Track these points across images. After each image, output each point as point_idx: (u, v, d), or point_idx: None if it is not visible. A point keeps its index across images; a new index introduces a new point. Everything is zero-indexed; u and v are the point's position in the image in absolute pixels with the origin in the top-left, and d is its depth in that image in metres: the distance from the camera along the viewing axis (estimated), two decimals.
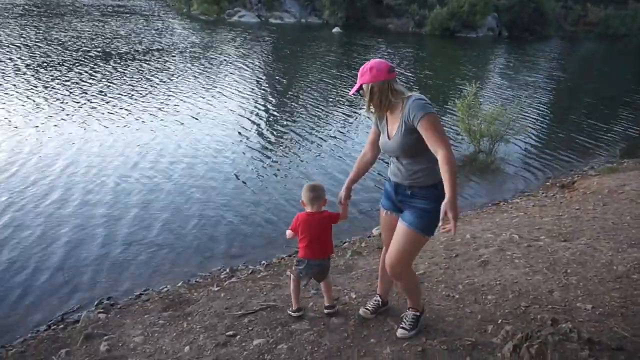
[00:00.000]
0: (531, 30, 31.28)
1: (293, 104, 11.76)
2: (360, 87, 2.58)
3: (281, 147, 8.65)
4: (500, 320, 3.07)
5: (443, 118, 11.08)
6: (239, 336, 3.20)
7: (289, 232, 3.11)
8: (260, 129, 9.62)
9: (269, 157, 8.12)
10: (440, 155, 2.37)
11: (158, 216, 5.86)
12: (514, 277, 3.71)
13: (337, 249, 5.03)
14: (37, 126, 8.72)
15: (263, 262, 4.98)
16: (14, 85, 11.33)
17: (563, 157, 9.13)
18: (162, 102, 10.84)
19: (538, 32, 31.42)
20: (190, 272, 4.79)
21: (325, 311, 3.29)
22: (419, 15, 29.51)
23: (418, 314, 3.00)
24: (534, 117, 11.92)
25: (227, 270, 4.77)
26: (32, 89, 11.13)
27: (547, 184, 7.70)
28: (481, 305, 3.31)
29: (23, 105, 9.85)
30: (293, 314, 3.32)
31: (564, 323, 2.87)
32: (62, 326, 3.90)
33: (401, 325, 2.98)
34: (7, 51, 15.00)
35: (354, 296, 3.63)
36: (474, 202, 6.95)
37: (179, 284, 4.54)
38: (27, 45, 16.16)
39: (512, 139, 9.35)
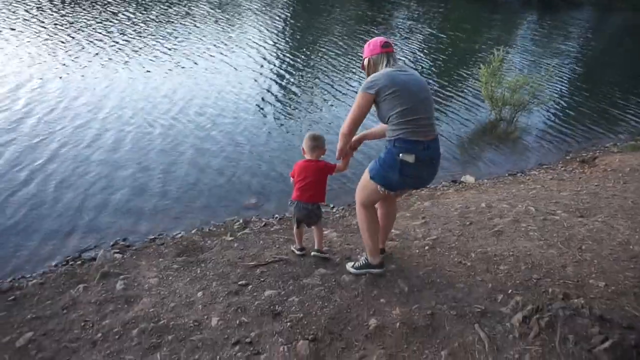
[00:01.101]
0: None
1: (316, 59, 11.47)
2: (363, 66, 2.97)
3: (303, 104, 8.51)
4: (510, 291, 3.06)
5: (465, 83, 10.78)
6: (251, 286, 3.25)
7: (292, 182, 3.34)
8: (283, 83, 9.46)
9: (289, 114, 8.01)
10: None
11: (175, 164, 5.89)
12: (527, 249, 3.68)
13: (351, 208, 5.05)
14: (78, 69, 8.66)
15: (276, 215, 5.01)
16: (51, 25, 11.16)
17: (585, 132, 8.88)
18: (190, 50, 10.67)
19: None
20: (205, 221, 4.85)
21: (312, 253, 3.52)
22: None
23: (366, 261, 3.22)
24: (559, 88, 11.54)
25: (241, 221, 4.81)
26: (67, 30, 10.95)
27: (567, 157, 7.54)
28: (492, 275, 3.31)
29: (63, 46, 9.73)
30: (296, 251, 3.58)
31: (575, 298, 2.86)
32: (79, 262, 4.02)
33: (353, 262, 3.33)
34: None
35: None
36: (491, 171, 6.85)
37: (193, 231, 4.60)
38: None
39: (535, 109, 9.12)
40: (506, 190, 5.58)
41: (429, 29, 16.60)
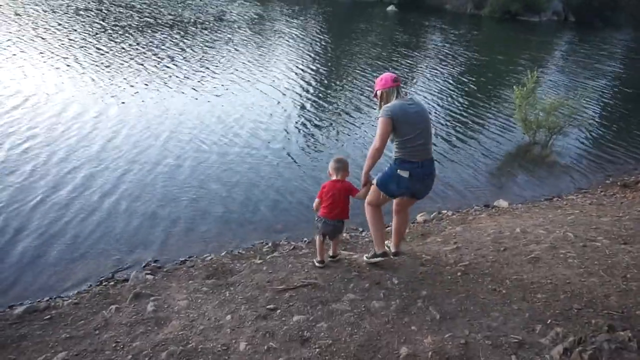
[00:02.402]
0: (601, 16, 29.15)
1: (345, 81, 11.61)
2: (376, 94, 3.60)
3: (331, 127, 8.59)
4: (550, 321, 2.93)
5: (498, 105, 10.65)
6: (279, 310, 3.24)
7: (316, 201, 3.71)
8: (311, 106, 9.59)
9: (317, 137, 8.09)
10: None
11: (205, 186, 6.00)
12: (566, 277, 3.53)
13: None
14: (135, 94, 9.07)
15: (305, 239, 5.00)
16: (85, 48, 11.79)
17: (626, 155, 8.56)
18: (217, 72, 11.01)
19: (609, 19, 29.23)
20: (234, 243, 4.90)
21: (328, 259, 3.90)
22: None
23: (375, 252, 3.80)
24: (597, 110, 11.23)
25: (270, 244, 4.84)
26: (123, 57, 11.52)
27: (607, 182, 7.27)
28: (529, 303, 3.18)
29: (97, 67, 10.27)
30: (317, 264, 3.87)
31: (621, 331, 2.70)
32: (112, 283, 4.11)
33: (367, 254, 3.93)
34: (72, 15, 15.57)
35: (395, 282, 3.58)
36: (525, 195, 6.67)
37: (223, 254, 4.65)
38: (94, 10, 16.71)
39: (572, 131, 8.88)
40: (542, 216, 5.41)
41: (462, 51, 16.58)
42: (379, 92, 3.55)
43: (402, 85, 3.57)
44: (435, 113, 9.80)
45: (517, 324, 2.94)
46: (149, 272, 4.22)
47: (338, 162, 3.69)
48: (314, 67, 12.74)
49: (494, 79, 13.42)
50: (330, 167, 3.70)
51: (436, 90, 11.56)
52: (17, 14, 14.91)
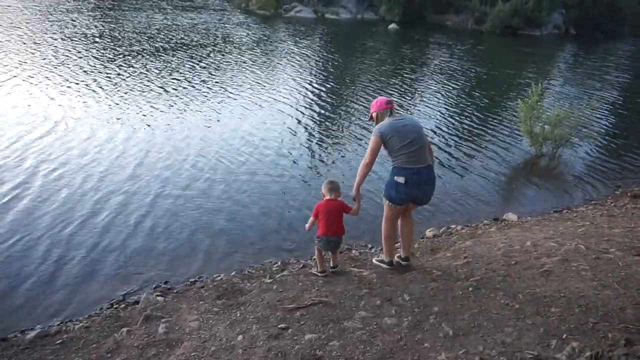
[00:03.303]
0: (602, 28, 29.30)
1: (348, 100, 11.72)
2: (371, 117, 4.01)
3: (341, 145, 8.61)
4: (565, 335, 2.89)
5: (503, 118, 10.67)
6: (291, 329, 3.22)
7: (310, 220, 4.01)
8: (319, 126, 9.66)
9: (327, 155, 8.12)
10: None
11: (213, 207, 6.03)
12: (580, 290, 3.49)
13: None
14: (159, 117, 9.28)
15: (314, 257, 4.96)
16: (94, 72, 12.02)
17: (635, 166, 8.51)
18: (222, 94, 11.18)
19: (610, 31, 29.33)
20: (243, 263, 4.90)
21: (331, 271, 4.17)
22: (479, 11, 28.50)
23: (383, 259, 4.24)
24: (604, 121, 11.21)
25: (279, 263, 4.83)
26: (143, 80, 11.76)
27: (617, 193, 7.22)
28: (543, 318, 3.14)
29: (106, 92, 10.49)
30: (318, 274, 4.14)
31: None
32: (123, 305, 4.11)
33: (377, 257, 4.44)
34: (89, 43, 15.93)
35: (407, 298, 3.55)
36: (534, 208, 6.63)
37: (232, 274, 4.64)
38: (108, 36, 17.09)
39: (578, 143, 8.87)
40: (552, 228, 5.37)
41: (465, 66, 16.69)
42: (374, 114, 3.96)
43: (395, 107, 4.00)
44: (441, 128, 9.83)
45: (532, 339, 2.90)
46: (159, 293, 4.22)
47: (331, 184, 4.05)
48: (327, 86, 12.86)
49: (498, 93, 13.47)
50: (324, 188, 4.04)
51: (441, 105, 11.62)
52: (35, 43, 15.29)
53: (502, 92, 13.66)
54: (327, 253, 4.18)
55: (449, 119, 10.61)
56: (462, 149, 8.75)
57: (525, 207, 6.65)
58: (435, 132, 9.50)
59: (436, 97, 12.36)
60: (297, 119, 9.83)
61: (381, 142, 3.77)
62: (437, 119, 10.43)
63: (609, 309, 3.17)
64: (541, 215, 6.25)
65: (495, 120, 10.63)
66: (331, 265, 4.20)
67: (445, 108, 11.45)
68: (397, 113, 3.99)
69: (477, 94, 13.13)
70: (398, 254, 4.32)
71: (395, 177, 3.77)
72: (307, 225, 4.09)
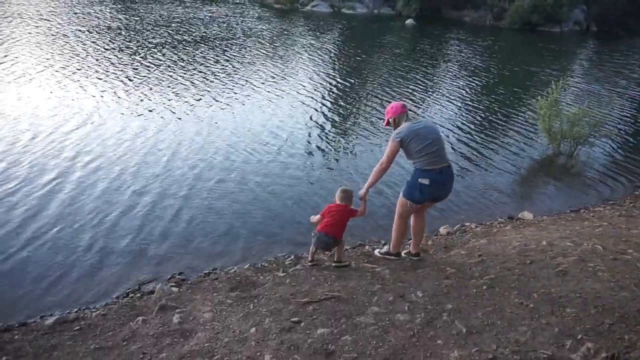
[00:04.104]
0: (624, 24, 28.57)
1: (371, 94, 11.64)
2: (388, 122, 4.12)
3: (352, 140, 8.60)
4: (580, 336, 2.86)
5: (521, 116, 10.52)
6: (303, 323, 3.24)
7: (318, 217, 4.23)
8: (330, 120, 9.66)
9: (338, 150, 8.11)
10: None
11: (227, 200, 6.06)
12: (596, 290, 3.44)
13: (403, 245, 4.94)
14: (179, 110, 9.38)
15: (327, 252, 4.96)
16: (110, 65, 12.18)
17: None
18: (248, 87, 11.31)
19: (632, 27, 28.58)
20: (257, 256, 4.92)
21: (334, 265, 4.25)
22: (497, 7, 28.04)
23: (389, 250, 4.40)
24: (623, 120, 10.97)
25: (292, 257, 4.84)
26: (123, 69, 11.92)
27: (636, 193, 7.08)
28: (558, 318, 3.11)
29: (123, 83, 10.63)
30: (309, 263, 4.34)
31: None
32: (138, 295, 4.17)
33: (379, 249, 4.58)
34: (114, 35, 16.15)
35: (420, 295, 3.54)
36: (550, 207, 6.54)
37: (246, 266, 4.67)
38: (132, 29, 17.29)
39: (598, 142, 8.70)
40: (569, 228, 5.29)
41: (484, 62, 16.48)
42: (391, 120, 4.08)
43: (409, 110, 4.24)
44: (458, 124, 9.74)
45: (546, 338, 2.87)
46: (174, 284, 4.27)
47: (344, 192, 4.21)
48: (351, 81, 12.89)
49: (517, 90, 13.26)
50: (338, 196, 4.22)
51: (460, 101, 11.50)
52: (64, 35, 15.64)
53: (521, 89, 13.44)
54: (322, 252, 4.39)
55: (467, 115, 10.51)
56: (479, 146, 8.66)
57: (542, 205, 6.56)
58: (452, 129, 9.42)
59: (455, 93, 12.24)
60: (322, 113, 9.93)
61: (399, 146, 3.91)
62: (455, 115, 10.34)
63: (626, 311, 3.12)
64: (557, 215, 6.16)
65: (513, 118, 10.49)
66: (335, 259, 4.29)
67: (464, 104, 11.34)
68: (413, 117, 4.22)
69: (496, 90, 12.96)
70: (405, 250, 4.46)
71: (419, 180, 3.88)
72: (312, 218, 4.39)
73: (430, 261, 4.33)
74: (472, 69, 15.43)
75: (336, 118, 9.83)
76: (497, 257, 4.28)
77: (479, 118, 10.34)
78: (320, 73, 13.52)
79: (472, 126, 9.77)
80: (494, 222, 5.88)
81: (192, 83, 11.29)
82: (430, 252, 4.69)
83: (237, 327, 3.28)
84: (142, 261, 4.73)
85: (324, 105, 10.55)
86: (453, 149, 8.24)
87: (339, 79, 13.01)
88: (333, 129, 9.16)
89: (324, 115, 9.87)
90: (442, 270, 4.01)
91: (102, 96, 9.83)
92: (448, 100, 11.50)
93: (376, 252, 4.57)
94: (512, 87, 13.49)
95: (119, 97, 9.84)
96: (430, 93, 12.26)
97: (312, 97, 10.96)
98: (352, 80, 13.02)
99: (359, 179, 6.55)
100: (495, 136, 9.21)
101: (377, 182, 4.12)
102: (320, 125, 9.19)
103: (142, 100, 9.80)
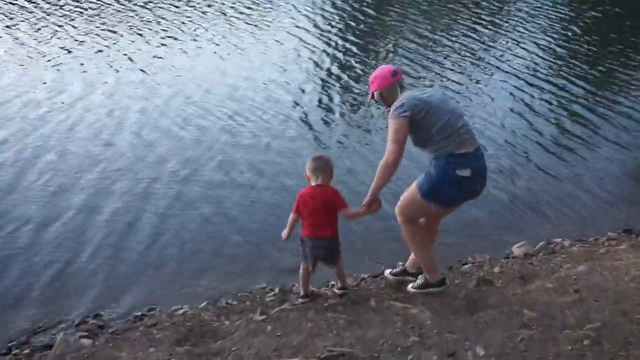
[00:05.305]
0: None
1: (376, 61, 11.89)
2: (373, 96, 4.19)
3: (355, 135, 8.67)
4: None
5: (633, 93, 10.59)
6: None
7: (290, 219, 4.19)
8: (336, 91, 10.00)
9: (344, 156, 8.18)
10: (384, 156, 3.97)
11: (177, 201, 6.19)
12: None
13: (454, 272, 5.03)
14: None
15: (331, 282, 4.94)
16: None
17: None
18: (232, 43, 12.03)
19: None
20: (221, 289, 4.93)
21: (337, 292, 4.45)
22: None
23: (425, 280, 4.39)
24: None
25: (277, 290, 4.83)
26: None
27: None
28: None
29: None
30: (300, 299, 4.39)
31: None
32: (27, 351, 4.09)
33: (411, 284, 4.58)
34: None
35: (482, 353, 3.51)
36: None
37: (202, 305, 4.65)
38: None
39: None
40: None
41: (554, 28, 16.41)
42: (376, 94, 4.13)
43: (404, 77, 4.24)
44: (540, 102, 9.92)
45: None
46: (84, 333, 4.21)
47: (317, 161, 4.17)
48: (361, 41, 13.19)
49: (608, 67, 13.23)
50: (307, 167, 4.18)
51: (541, 71, 11.65)
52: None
53: (617, 66, 13.45)
54: (321, 267, 4.34)
55: (553, 88, 10.71)
56: (574, 129, 8.84)
57: None
58: (531, 102, 9.63)
59: (528, 58, 12.41)
60: (304, 98, 10.04)
61: (408, 124, 3.86)
62: (535, 87, 10.59)
63: None
64: None
65: (622, 94, 10.61)
66: (338, 286, 4.46)
67: (546, 74, 11.54)
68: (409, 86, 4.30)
69: (581, 67, 12.97)
70: (401, 266, 4.74)
71: (457, 171, 3.86)
72: (284, 232, 4.26)
73: (497, 298, 4.33)
74: (543, 38, 15.27)
75: (340, 93, 10.11)
76: (607, 293, 4.28)
77: (574, 93, 10.50)
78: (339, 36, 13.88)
79: (564, 103, 9.96)
80: (601, 237, 5.91)
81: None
82: (498, 285, 4.68)
83: None
84: (37, 294, 4.72)
85: (320, 74, 10.88)
86: (532, 127, 8.26)
87: (350, 36, 13.35)
88: (335, 107, 9.41)
89: (326, 83, 10.25)
90: (516, 314, 4.00)
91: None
92: (523, 68, 11.67)
93: (409, 287, 4.55)
94: (605, 64, 13.43)
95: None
96: (490, 58, 12.40)
97: (301, 65, 11.32)
98: (365, 41, 13.30)
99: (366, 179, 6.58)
100: (598, 117, 9.34)
101: (385, 185, 4.04)
102: (322, 109, 9.39)
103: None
